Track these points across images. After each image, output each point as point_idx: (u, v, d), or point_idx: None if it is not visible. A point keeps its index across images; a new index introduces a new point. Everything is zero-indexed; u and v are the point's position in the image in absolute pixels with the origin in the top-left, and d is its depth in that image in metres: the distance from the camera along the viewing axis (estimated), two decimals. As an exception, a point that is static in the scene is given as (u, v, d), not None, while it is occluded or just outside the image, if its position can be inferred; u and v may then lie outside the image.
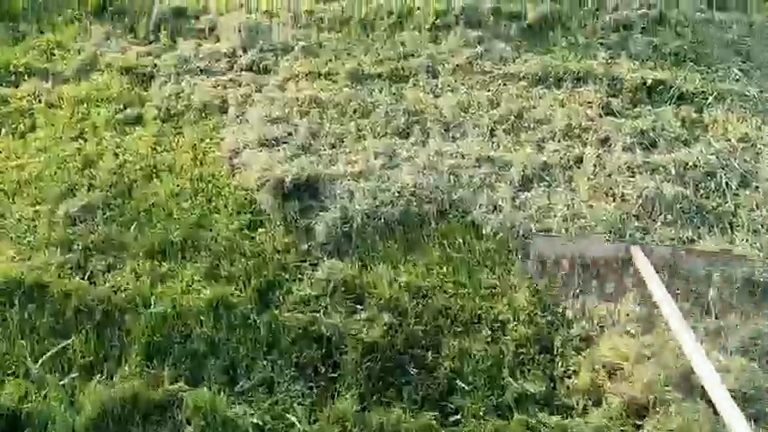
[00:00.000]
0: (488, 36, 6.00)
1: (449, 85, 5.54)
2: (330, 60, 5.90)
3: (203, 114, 5.50)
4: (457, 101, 5.35)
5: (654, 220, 4.32)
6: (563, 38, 5.93)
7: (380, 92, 5.57)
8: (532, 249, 4.07)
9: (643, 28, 5.94)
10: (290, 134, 5.16)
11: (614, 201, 4.47)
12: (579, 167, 4.72)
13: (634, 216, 4.34)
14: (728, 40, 5.85)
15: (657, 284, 3.58)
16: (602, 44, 5.83)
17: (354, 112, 5.37)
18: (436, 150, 4.91)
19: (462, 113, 5.27)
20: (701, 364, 3.10)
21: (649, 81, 5.32)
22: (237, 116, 5.40)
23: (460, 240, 4.29)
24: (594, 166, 4.67)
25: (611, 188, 4.53)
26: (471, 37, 5.94)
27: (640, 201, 4.39)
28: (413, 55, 5.90)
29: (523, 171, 4.69)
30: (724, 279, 3.80)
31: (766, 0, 6.33)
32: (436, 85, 5.56)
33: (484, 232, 4.32)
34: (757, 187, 4.48)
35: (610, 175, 4.62)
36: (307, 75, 5.77)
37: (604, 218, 4.31)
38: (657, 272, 3.72)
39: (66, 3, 6.88)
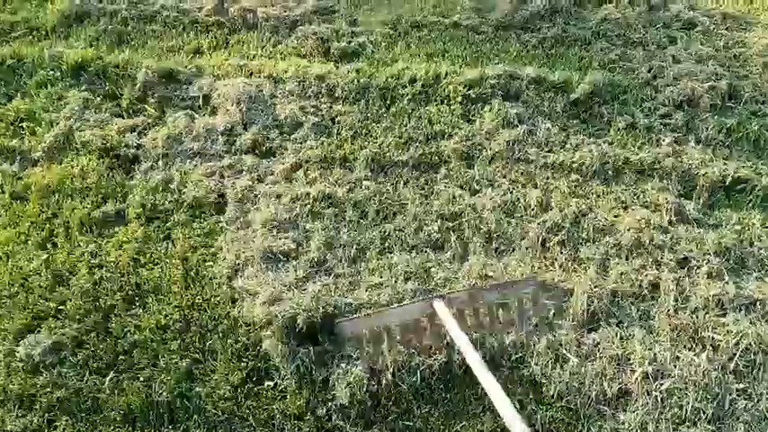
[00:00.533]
0: (530, 112, 5.14)
1: (487, 179, 4.68)
2: (346, 141, 5.05)
3: (196, 213, 4.61)
4: (499, 200, 4.51)
5: (757, 380, 3.51)
6: (618, 116, 5.10)
7: (407, 184, 4.72)
8: (339, 334, 3.77)
9: (712, 105, 5.12)
10: (300, 245, 4.32)
11: (704, 349, 3.65)
12: (655, 299, 3.90)
13: (731, 374, 3.53)
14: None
15: (457, 333, 3.51)
16: (665, 125, 5.01)
17: (377, 213, 4.52)
18: (479, 271, 4.07)
19: (506, 218, 4.43)
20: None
21: (728, 178, 4.51)
22: (237, 217, 4.53)
23: (517, 405, 3.47)
24: (675, 299, 3.85)
25: (698, 331, 3.71)
26: (510, 114, 5.07)
27: (737, 351, 3.58)
28: (443, 135, 5.04)
29: (588, 303, 3.86)
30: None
31: None
32: (472, 178, 4.70)
33: (546, 393, 3.51)
34: None
35: (695, 312, 3.80)
36: (319, 161, 4.92)
37: (694, 376, 3.49)
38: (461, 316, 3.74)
39: (39, 61, 6.02)
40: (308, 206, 4.56)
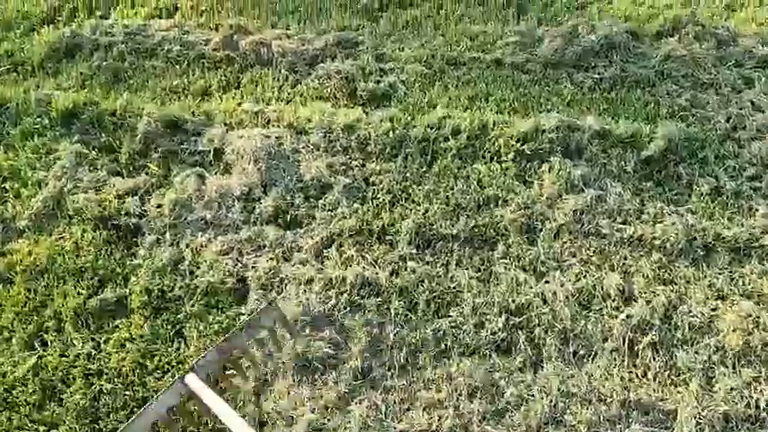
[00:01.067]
0: (596, 173, 4.45)
1: (555, 259, 4.00)
2: (383, 208, 4.33)
3: (212, 302, 3.91)
4: (572, 288, 3.82)
5: None
6: (700, 177, 4.43)
7: (459, 265, 4.03)
8: None
9: (808, 162, 4.47)
10: (339, 348, 3.63)
11: None
12: (776, 424, 3.25)
13: None
14: None
15: (214, 404, 3.10)
16: (755, 190, 4.33)
17: (428, 304, 3.83)
18: (559, 386, 3.40)
19: (583, 312, 3.76)
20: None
21: (842, 260, 3.87)
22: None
23: None
24: (801, 424, 3.20)
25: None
26: (574, 175, 4.39)
27: None
28: (496, 202, 4.35)
29: (695, 428, 3.20)
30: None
31: None
32: (536, 257, 4.01)
33: None
34: None
35: (827, 443, 3.16)
36: (354, 233, 4.21)
37: None
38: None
39: (24, 107, 5.26)
40: (346, 294, 3.86)
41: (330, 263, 4.04)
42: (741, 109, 4.84)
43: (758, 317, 3.56)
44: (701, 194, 4.28)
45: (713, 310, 3.70)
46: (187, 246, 4.18)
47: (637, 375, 3.47)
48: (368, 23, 6.06)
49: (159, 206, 4.42)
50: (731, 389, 3.33)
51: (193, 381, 3.23)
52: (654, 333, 3.58)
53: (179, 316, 3.87)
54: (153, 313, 3.90)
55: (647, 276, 3.87)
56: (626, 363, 3.51)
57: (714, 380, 3.40)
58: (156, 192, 4.55)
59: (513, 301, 3.78)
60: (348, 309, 3.77)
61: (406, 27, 6.04)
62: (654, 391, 3.38)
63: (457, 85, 5.31)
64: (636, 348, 3.56)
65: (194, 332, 3.78)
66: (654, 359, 3.50)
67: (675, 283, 3.85)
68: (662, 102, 4.96)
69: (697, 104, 4.93)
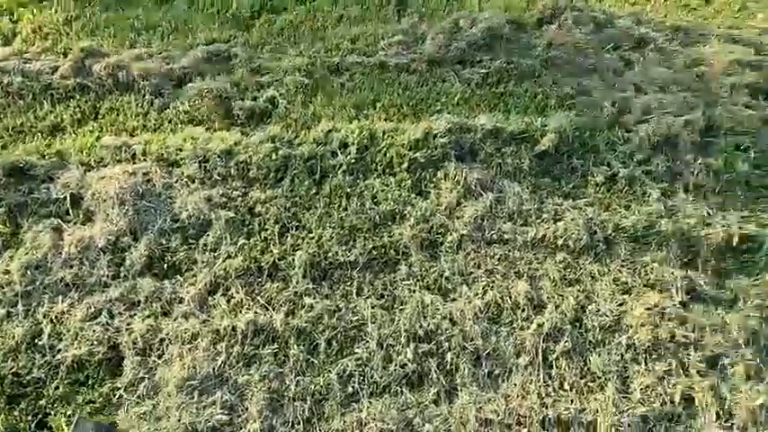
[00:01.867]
0: (492, 174, 4.27)
1: (460, 273, 3.77)
2: (272, 241, 3.92)
3: (81, 379, 3.39)
4: (480, 304, 3.62)
5: None
6: (593, 167, 4.36)
7: (360, 294, 3.72)
8: None
9: (692, 143, 4.51)
10: (234, 410, 3.21)
11: (766, 483, 2.98)
12: (693, 418, 3.17)
13: None
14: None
15: None
16: (647, 174, 4.32)
17: (330, 344, 3.49)
18: (476, 414, 3.16)
19: (494, 327, 3.56)
20: None
21: (734, 237, 3.89)
22: (140, 379, 3.34)
23: None
24: (717, 415, 3.15)
25: (754, 458, 3.03)
26: (471, 179, 4.17)
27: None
28: (394, 218, 4.07)
29: (617, 439, 3.08)
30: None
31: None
32: (441, 274, 3.78)
33: None
34: None
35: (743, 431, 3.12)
36: (242, 274, 3.78)
37: None
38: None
39: None
40: (238, 347, 3.45)
41: (217, 312, 3.59)
42: (624, 92, 4.82)
43: (663, 307, 3.52)
44: (597, 185, 4.19)
45: (620, 305, 3.60)
46: (45, 315, 3.58)
47: (554, 389, 3.30)
48: (240, 34, 5.57)
49: (7, 272, 3.77)
50: (646, 387, 3.25)
51: None
52: (566, 340, 3.44)
53: (41, 402, 3.30)
54: (7, 404, 3.32)
55: (554, 279, 3.72)
56: (541, 376, 3.34)
57: (629, 380, 3.31)
58: (2, 255, 3.92)
59: (421, 327, 3.50)
60: (241, 363, 3.38)
61: (281, 34, 5.60)
62: (572, 402, 3.23)
63: (341, 93, 4.95)
64: (550, 359, 3.41)
65: (61, 419, 3.25)
66: (569, 368, 3.36)
67: (582, 282, 3.71)
68: (549, 92, 4.84)
69: (583, 91, 4.85)
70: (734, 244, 3.81)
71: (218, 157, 4.31)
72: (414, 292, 3.68)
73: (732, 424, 3.12)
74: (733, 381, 3.25)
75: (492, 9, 5.66)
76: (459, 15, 5.40)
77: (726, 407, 3.15)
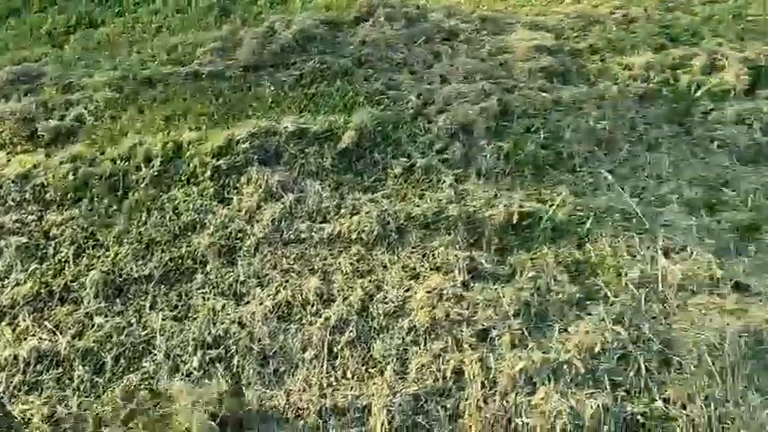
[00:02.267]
0: (294, 175, 4.37)
1: (255, 276, 3.86)
2: (66, 263, 3.82)
3: None
4: (271, 304, 3.71)
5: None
6: (393, 159, 4.52)
7: (153, 309, 3.72)
8: None
9: (486, 128, 4.75)
10: (9, 441, 3.18)
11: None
12: (462, 390, 3.38)
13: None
14: (585, 127, 4.88)
15: None
16: (443, 162, 4.53)
17: (117, 362, 3.48)
18: (258, 410, 3.25)
19: (283, 325, 3.66)
20: None
21: (514, 215, 4.15)
22: None
23: None
24: (483, 384, 3.36)
25: (511, 420, 3.25)
26: (272, 182, 4.25)
27: (555, 436, 3.19)
28: (194, 228, 4.09)
29: (388, 420, 3.23)
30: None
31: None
32: (237, 279, 3.85)
33: None
34: (681, 364, 3.52)
35: (505, 396, 3.33)
36: (30, 301, 3.69)
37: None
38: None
39: None
40: (19, 375, 3.41)
41: (0, 342, 3.54)
42: (430, 84, 5.04)
43: (442, 288, 3.73)
44: (395, 176, 4.38)
45: (407, 291, 3.80)
46: None
47: (336, 378, 3.45)
48: (52, 51, 5.45)
49: None
50: (422, 366, 3.45)
51: None
52: (351, 329, 3.61)
53: None
54: None
55: (346, 272, 3.88)
56: (325, 368, 3.49)
57: (408, 361, 3.51)
58: None
59: (210, 333, 3.58)
60: (21, 392, 3.34)
61: (97, 49, 5.52)
62: (351, 389, 3.39)
63: (152, 106, 4.94)
64: (335, 350, 3.56)
65: None
66: (352, 356, 3.52)
67: (374, 272, 3.89)
68: (359, 89, 4.99)
69: (392, 87, 5.03)
70: (515, 221, 4.09)
71: (13, 182, 4.23)
72: (207, 299, 3.74)
73: (495, 390, 3.37)
74: (500, 350, 3.51)
75: (312, 11, 5.80)
76: (274, 19, 5.49)
77: (491, 376, 3.40)
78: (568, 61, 5.32)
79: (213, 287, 3.79)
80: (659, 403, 3.34)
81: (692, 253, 3.95)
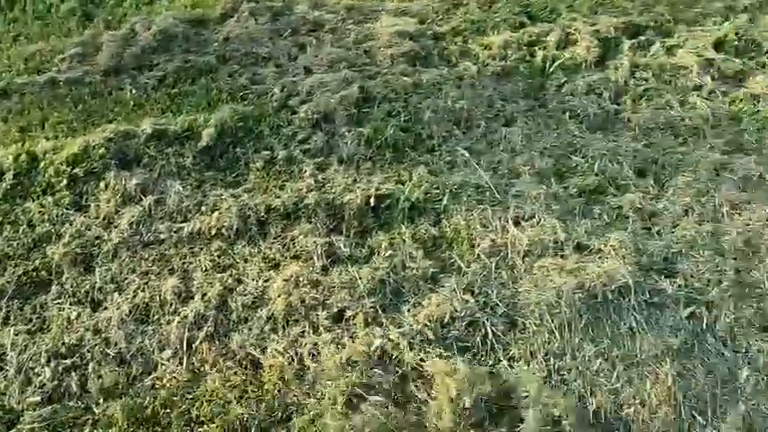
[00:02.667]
0: (155, 177, 4.35)
1: (113, 282, 3.82)
2: None
3: None
4: (127, 307, 3.71)
5: None
6: (255, 153, 4.56)
7: (6, 324, 3.61)
8: None
9: (348, 116, 4.84)
10: None
11: None
12: (318, 375, 3.50)
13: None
14: (443, 108, 5.04)
15: None
16: (305, 152, 4.60)
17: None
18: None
19: (141, 327, 3.66)
20: None
21: (372, 198, 4.26)
22: None
23: None
24: (340, 359, 3.48)
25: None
26: (130, 186, 4.21)
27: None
28: (49, 239, 3.97)
29: None
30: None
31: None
32: (94, 287, 3.77)
33: None
34: (524, 325, 3.74)
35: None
36: None
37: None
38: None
39: None
40: None
41: None
42: (295, 76, 5.11)
43: (300, 276, 3.83)
44: (257, 170, 4.44)
45: (266, 281, 3.88)
46: None
47: (194, 372, 3.51)
48: None
49: None
50: (278, 352, 3.55)
51: None
52: (209, 325, 3.66)
53: None
54: None
55: (206, 269, 3.92)
56: (184, 364, 3.54)
57: (265, 349, 3.59)
58: None
59: (64, 343, 3.56)
60: None
61: (-57, 65, 5.31)
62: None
63: (7, 118, 4.80)
64: (193, 346, 3.61)
65: None
66: (210, 350, 3.58)
67: (234, 267, 3.95)
68: (223, 86, 5.00)
69: (257, 81, 5.07)
70: (373, 204, 4.22)
71: None
72: (63, 309, 3.71)
73: (350, 367, 3.50)
74: (354, 330, 3.65)
75: (178, 10, 5.73)
76: (135, 20, 5.41)
77: (344, 354, 3.54)
78: (431, 45, 5.50)
79: (69, 297, 3.74)
80: (504, 363, 3.59)
81: (539, 220, 4.22)
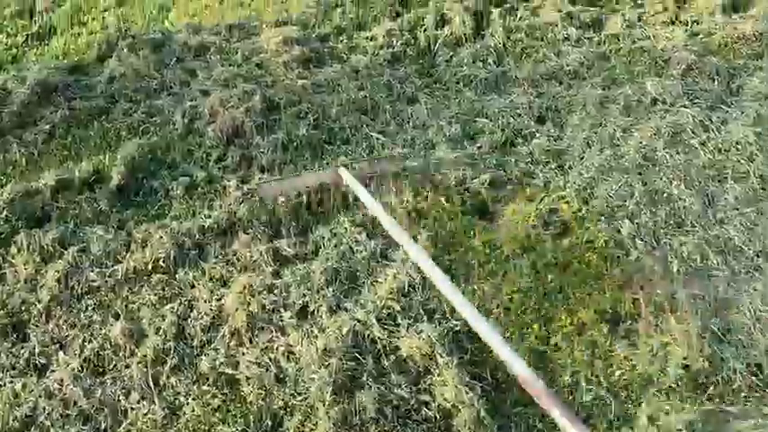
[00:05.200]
0: (71, 227, 3.99)
1: (54, 341, 3.46)
2: None
3: None
4: (77, 363, 3.35)
5: None
6: (173, 181, 4.36)
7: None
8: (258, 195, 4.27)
9: (257, 126, 4.78)
10: None
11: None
12: (298, 371, 3.44)
13: None
14: (347, 101, 5.12)
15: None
16: (223, 169, 4.42)
17: None
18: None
19: (97, 379, 3.34)
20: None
21: (303, 197, 4.29)
22: None
23: None
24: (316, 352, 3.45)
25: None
26: (46, 242, 3.83)
27: None
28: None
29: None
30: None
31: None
32: (33, 353, 3.40)
33: None
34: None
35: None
36: None
37: None
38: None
39: None
40: None
41: None
42: (193, 100, 5.02)
43: (252, 284, 3.77)
44: (180, 197, 4.31)
45: (219, 299, 3.76)
46: None
47: (168, 408, 3.34)
48: None
49: None
50: (252, 363, 3.46)
51: (346, 173, 4.21)
52: (172, 356, 3.48)
53: None
54: None
55: (152, 304, 3.70)
56: (156, 403, 3.35)
57: (239, 364, 3.49)
58: None
59: (16, 418, 3.17)
60: None
61: None
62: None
63: None
64: (161, 382, 3.42)
65: None
66: (180, 382, 3.40)
67: (182, 295, 3.77)
68: (119, 125, 4.84)
69: (153, 113, 4.94)
70: (307, 202, 4.27)
71: None
72: (5, 384, 3.39)
73: (327, 357, 3.50)
74: (321, 321, 3.65)
75: (50, 60, 5.46)
76: (4, 78, 5.08)
77: (318, 345, 3.53)
78: (319, 46, 5.66)
79: (9, 369, 3.42)
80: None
81: (464, 179, 4.46)
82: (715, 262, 3.90)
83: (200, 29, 5.76)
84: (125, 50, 5.36)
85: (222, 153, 4.58)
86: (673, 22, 6.03)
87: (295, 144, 4.64)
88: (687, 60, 5.40)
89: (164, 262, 3.90)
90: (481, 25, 5.92)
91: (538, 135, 4.85)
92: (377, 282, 3.83)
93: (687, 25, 6.00)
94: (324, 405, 3.17)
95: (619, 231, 4.08)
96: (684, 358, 3.36)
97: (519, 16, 6.02)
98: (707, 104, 5.06)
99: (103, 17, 6.01)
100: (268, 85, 5.12)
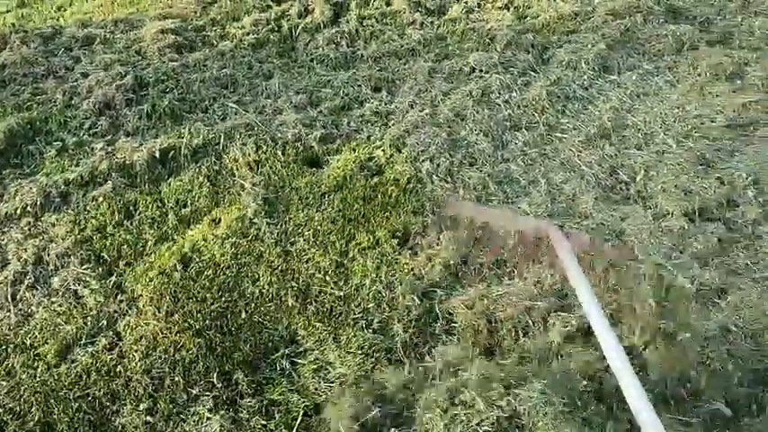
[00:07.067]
0: (-46, 184, 4.83)
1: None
2: None
3: None
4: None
5: None
6: (48, 146, 5.10)
7: None
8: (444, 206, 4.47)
9: (128, 100, 5.57)
10: None
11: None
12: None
13: None
14: (210, 78, 5.93)
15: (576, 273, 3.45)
16: (94, 134, 5.23)
17: None
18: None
19: None
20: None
21: (157, 152, 5.04)
22: None
23: None
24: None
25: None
26: (-69, 196, 4.67)
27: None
28: None
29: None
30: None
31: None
32: None
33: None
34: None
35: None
36: None
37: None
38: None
39: None
40: None
41: None
42: (74, 82, 5.73)
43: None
44: (51, 158, 4.99)
45: (77, 234, 4.52)
46: None
47: (24, 316, 4.07)
48: None
49: None
50: (94, 278, 4.21)
51: (558, 236, 3.67)
52: (29, 278, 4.17)
53: None
54: None
55: (17, 240, 4.43)
56: (12, 312, 4.07)
57: (87, 283, 4.23)
58: None
59: None
60: None
61: None
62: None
63: None
64: (18, 297, 4.15)
65: None
66: (33, 297, 4.12)
67: (45, 233, 4.50)
68: (6, 104, 5.54)
69: (38, 93, 5.64)
70: (158, 156, 5.00)
71: None
72: None
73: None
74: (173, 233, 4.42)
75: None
76: None
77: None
78: (193, 35, 6.46)
79: None
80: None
81: (301, 137, 5.27)
82: (492, 189, 4.80)
83: (89, 24, 6.53)
84: (17, 42, 6.09)
85: (93, 123, 5.33)
86: (507, 8, 7.00)
87: (158, 114, 5.42)
88: (507, 37, 6.34)
89: (31, 208, 4.64)
90: (339, 14, 6.81)
91: (371, 101, 5.70)
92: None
93: (519, 9, 6.98)
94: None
95: (420, 171, 4.96)
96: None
97: (374, 6, 6.91)
98: (517, 71, 6.01)
99: (4, 18, 6.74)
100: (142, 68, 5.90)
